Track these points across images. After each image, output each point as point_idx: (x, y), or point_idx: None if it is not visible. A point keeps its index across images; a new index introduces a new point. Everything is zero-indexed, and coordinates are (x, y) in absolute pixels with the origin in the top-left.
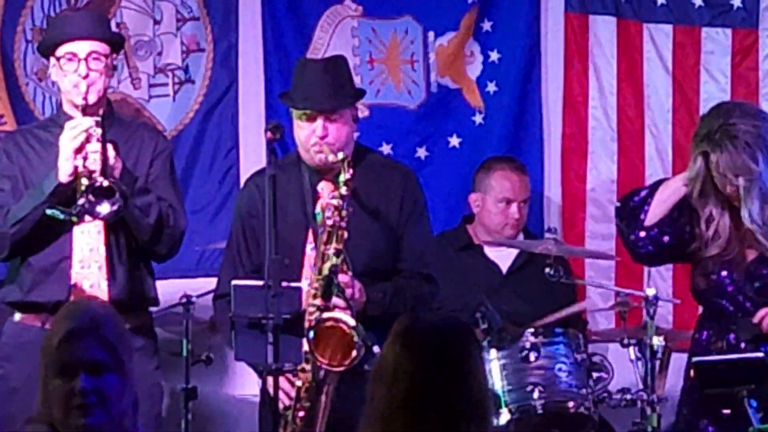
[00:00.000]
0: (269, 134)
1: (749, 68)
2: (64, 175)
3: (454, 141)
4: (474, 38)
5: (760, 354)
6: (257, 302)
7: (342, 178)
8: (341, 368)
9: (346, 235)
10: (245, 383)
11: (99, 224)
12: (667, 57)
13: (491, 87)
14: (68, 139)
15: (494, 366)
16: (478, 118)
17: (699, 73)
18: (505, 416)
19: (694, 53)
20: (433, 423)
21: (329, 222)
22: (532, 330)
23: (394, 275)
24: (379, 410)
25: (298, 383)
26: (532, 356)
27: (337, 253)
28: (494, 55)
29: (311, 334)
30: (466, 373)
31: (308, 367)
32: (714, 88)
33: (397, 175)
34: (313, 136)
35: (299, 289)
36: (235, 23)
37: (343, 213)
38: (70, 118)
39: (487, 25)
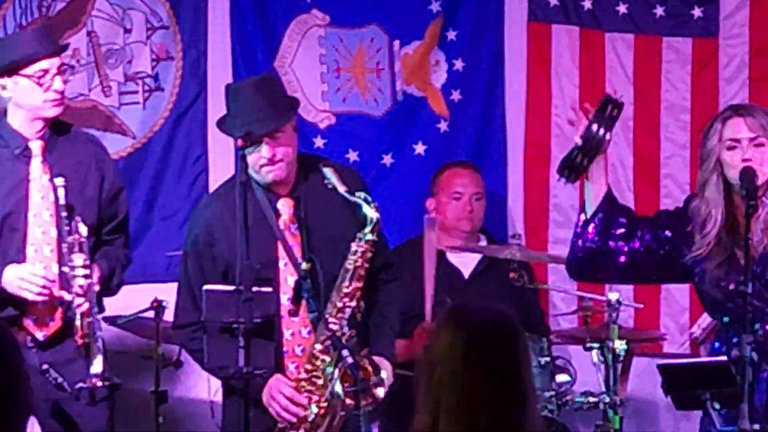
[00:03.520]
0: (240, 141)
1: (710, 77)
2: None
3: (420, 148)
4: (439, 47)
5: (724, 358)
6: (229, 307)
7: (368, 236)
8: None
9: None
10: (215, 387)
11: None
12: (628, 66)
13: (456, 95)
14: (25, 288)
15: None
16: (442, 126)
17: (660, 82)
18: None
19: (656, 62)
20: (485, 404)
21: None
22: None
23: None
24: (432, 391)
25: (314, 408)
26: None
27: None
28: (459, 64)
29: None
30: (517, 355)
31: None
32: (675, 97)
33: (348, 178)
34: (262, 159)
35: (271, 293)
36: (204, 32)
37: (368, 255)
38: (17, 133)
39: (451, 35)
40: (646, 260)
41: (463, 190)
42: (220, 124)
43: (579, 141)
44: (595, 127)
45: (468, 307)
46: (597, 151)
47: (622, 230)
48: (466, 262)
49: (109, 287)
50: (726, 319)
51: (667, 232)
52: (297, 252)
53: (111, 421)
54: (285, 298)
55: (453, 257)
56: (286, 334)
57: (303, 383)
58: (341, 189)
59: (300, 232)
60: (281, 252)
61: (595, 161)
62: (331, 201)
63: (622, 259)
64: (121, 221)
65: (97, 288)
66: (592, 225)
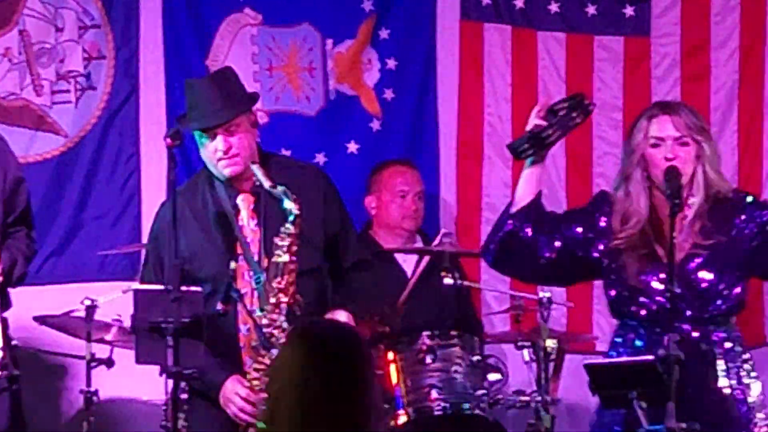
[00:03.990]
0: (169, 141)
1: (642, 76)
2: None
3: (352, 147)
4: (371, 46)
5: (650, 357)
6: (157, 306)
7: (290, 230)
8: None
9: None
10: (146, 386)
11: None
12: (560, 65)
13: (388, 94)
14: None
15: (392, 368)
16: (375, 125)
17: (592, 81)
18: (402, 417)
19: (588, 61)
20: (321, 417)
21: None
22: (428, 333)
23: (333, 270)
24: (272, 403)
25: None
26: (429, 358)
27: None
28: (391, 63)
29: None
30: (357, 371)
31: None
32: (607, 95)
33: (311, 174)
34: (218, 152)
35: (199, 293)
36: (136, 31)
37: (294, 249)
38: None
39: (384, 33)
40: (565, 258)
41: (408, 188)
42: (180, 119)
43: (551, 119)
44: (571, 110)
45: (314, 323)
46: (567, 131)
47: (548, 225)
48: (410, 262)
49: (10, 279)
50: (643, 312)
51: (579, 229)
52: (255, 248)
53: (14, 415)
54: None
55: (400, 257)
56: (243, 329)
57: (255, 382)
58: (266, 184)
59: (259, 228)
60: (239, 249)
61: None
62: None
63: (546, 254)
64: (23, 212)
65: None
66: (524, 210)
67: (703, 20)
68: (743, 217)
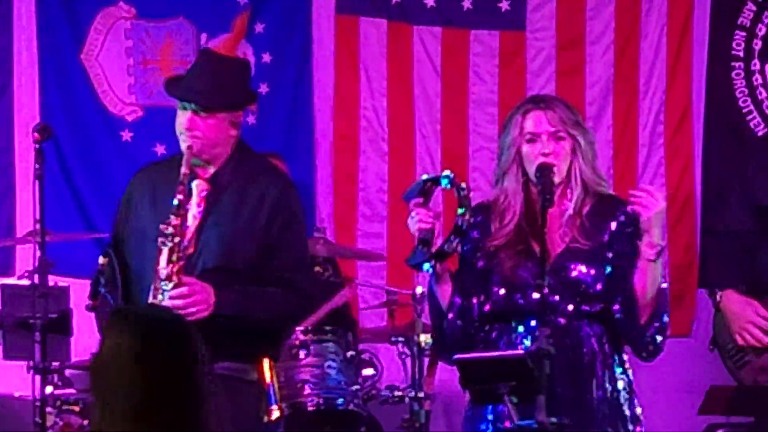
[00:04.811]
0: (36, 135)
1: (517, 70)
2: None
3: None
4: (246, 40)
5: (520, 351)
6: (24, 301)
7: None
8: None
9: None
10: (11, 381)
11: None
12: (436, 59)
13: (264, 88)
14: None
15: (265, 363)
16: (251, 119)
17: (467, 75)
18: (275, 413)
19: (463, 55)
20: (153, 405)
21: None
22: (302, 328)
23: (253, 279)
24: (101, 394)
25: None
26: (302, 354)
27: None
28: (266, 57)
29: None
30: (188, 356)
31: None
32: (482, 90)
33: (275, 184)
34: (181, 125)
35: (66, 288)
36: (9, 25)
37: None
38: None
39: (259, 27)
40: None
41: None
42: (170, 80)
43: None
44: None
45: (134, 309)
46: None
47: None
48: None
49: None
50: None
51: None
52: (189, 233)
53: None
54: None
55: None
56: None
57: None
58: (183, 169)
59: (200, 216)
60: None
61: None
62: (250, 198)
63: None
64: None
65: None
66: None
67: (578, 15)
68: (614, 226)
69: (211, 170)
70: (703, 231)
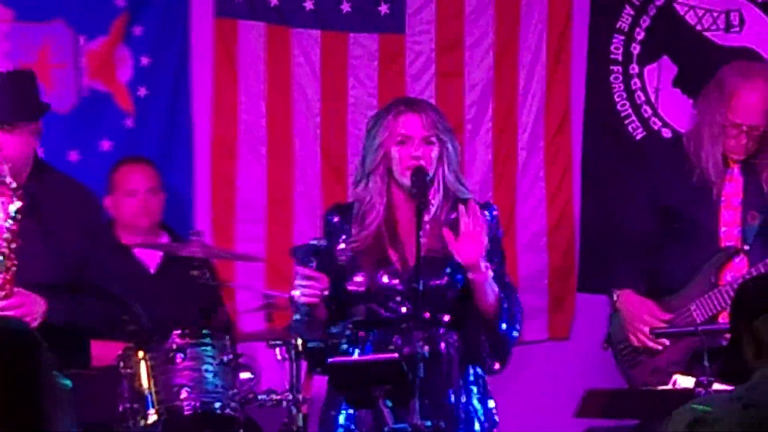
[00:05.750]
0: None
1: (396, 73)
2: None
3: (106, 145)
4: (124, 43)
5: (395, 355)
6: None
7: (13, 208)
8: None
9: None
10: None
11: None
12: (315, 62)
13: (142, 91)
14: None
15: (142, 367)
16: (129, 122)
17: (347, 78)
18: (152, 417)
19: (342, 58)
20: (12, 414)
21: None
22: (179, 332)
23: (78, 291)
24: None
25: None
26: (179, 357)
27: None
28: (145, 60)
29: None
30: (32, 368)
31: None
32: (362, 93)
33: (80, 196)
34: None
35: None
36: None
37: (12, 245)
38: None
39: (137, 30)
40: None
41: (137, 186)
42: None
43: None
44: None
45: None
46: None
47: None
48: (151, 257)
49: None
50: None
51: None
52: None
53: None
54: None
55: (138, 252)
56: None
57: None
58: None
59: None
60: None
61: None
62: (55, 213)
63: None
64: None
65: None
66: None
67: (458, 18)
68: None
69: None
70: (583, 235)
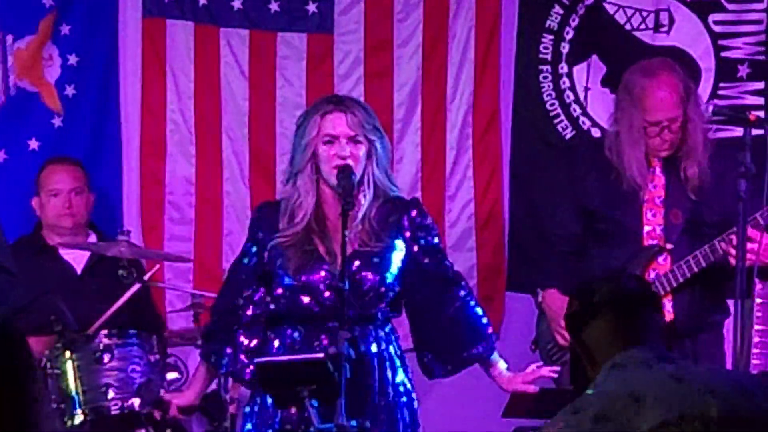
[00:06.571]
0: None
1: (325, 73)
2: None
3: (34, 144)
4: (52, 42)
5: (321, 355)
6: None
7: None
8: None
9: None
10: None
11: None
12: (243, 61)
13: (70, 90)
14: None
15: (68, 367)
16: (57, 122)
17: (275, 78)
18: (79, 417)
19: (270, 58)
20: None
21: None
22: (106, 331)
23: None
24: None
25: None
26: (106, 357)
27: None
28: (73, 59)
29: None
30: (22, 362)
31: None
32: (290, 93)
33: None
34: None
35: None
36: None
37: None
38: None
39: (65, 29)
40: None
41: (61, 187)
42: None
43: None
44: None
45: None
46: None
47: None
48: (78, 258)
49: None
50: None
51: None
52: None
53: None
54: None
55: (65, 253)
56: None
57: None
58: None
59: None
60: None
61: None
62: None
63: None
64: None
65: None
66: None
67: (386, 18)
68: (406, 224)
69: None
70: (511, 234)
